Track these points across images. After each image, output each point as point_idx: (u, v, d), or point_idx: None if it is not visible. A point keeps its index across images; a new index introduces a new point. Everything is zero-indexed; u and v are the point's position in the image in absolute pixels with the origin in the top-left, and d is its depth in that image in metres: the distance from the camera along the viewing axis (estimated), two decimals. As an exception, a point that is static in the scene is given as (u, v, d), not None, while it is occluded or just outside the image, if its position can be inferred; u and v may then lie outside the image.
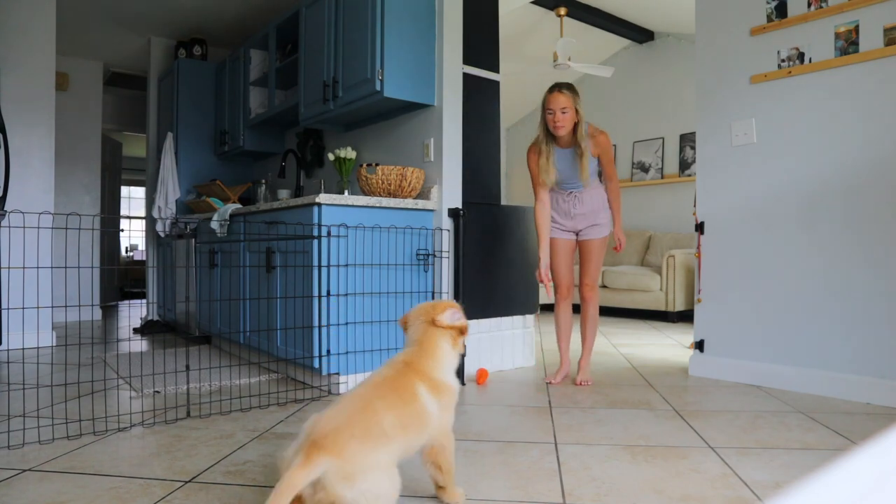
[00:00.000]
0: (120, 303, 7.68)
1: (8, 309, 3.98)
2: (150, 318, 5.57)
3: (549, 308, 6.18)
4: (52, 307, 3.30)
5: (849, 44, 2.74)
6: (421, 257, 3.13)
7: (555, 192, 3.11)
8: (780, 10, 2.96)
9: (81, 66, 6.08)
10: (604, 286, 6.19)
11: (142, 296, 9.06)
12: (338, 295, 2.85)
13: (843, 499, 1.63)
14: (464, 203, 3.28)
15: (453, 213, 3.17)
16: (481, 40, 3.59)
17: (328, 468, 1.24)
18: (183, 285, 4.60)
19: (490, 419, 2.43)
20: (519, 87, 7.05)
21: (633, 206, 6.92)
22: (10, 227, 3.94)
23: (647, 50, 6.93)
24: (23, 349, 4.07)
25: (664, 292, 5.71)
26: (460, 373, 3.11)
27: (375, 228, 2.98)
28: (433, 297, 3.17)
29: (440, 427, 1.50)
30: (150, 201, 5.86)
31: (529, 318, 3.63)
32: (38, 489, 1.68)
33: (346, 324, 2.88)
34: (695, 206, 3.35)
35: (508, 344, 3.51)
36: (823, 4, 2.81)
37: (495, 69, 3.67)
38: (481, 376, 3.15)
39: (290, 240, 3.05)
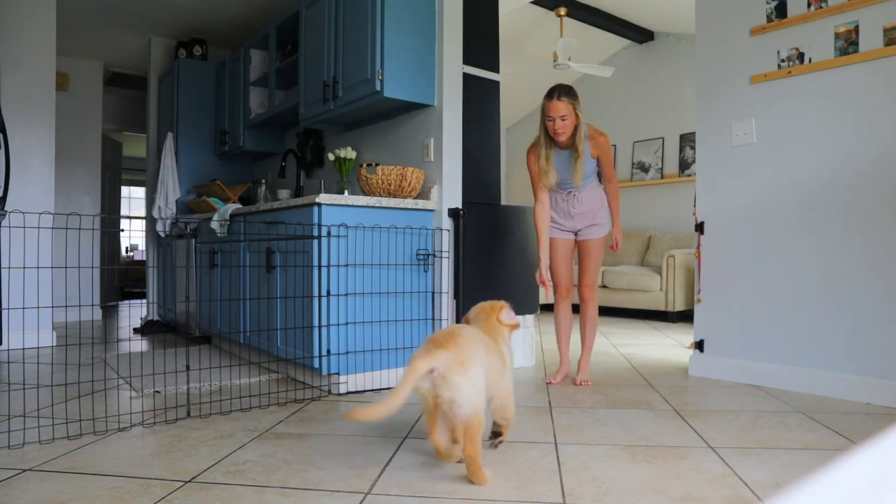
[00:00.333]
0: (120, 303, 7.68)
1: (8, 309, 3.98)
2: (150, 318, 5.57)
3: (548, 308, 6.18)
4: (53, 307, 3.30)
5: (849, 44, 2.74)
6: (421, 257, 3.14)
7: (554, 192, 3.11)
8: (780, 10, 2.96)
9: (81, 66, 6.08)
10: (604, 286, 6.19)
11: (142, 296, 9.06)
12: (338, 295, 2.86)
13: (842, 499, 1.63)
14: (464, 203, 3.28)
15: (453, 213, 3.17)
16: (481, 40, 3.59)
17: (446, 359, 1.65)
18: (183, 285, 4.60)
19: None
20: (519, 87, 7.05)
21: (633, 206, 6.93)
22: (10, 227, 3.94)
23: (647, 50, 6.93)
24: (23, 349, 4.07)
25: (664, 292, 5.71)
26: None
27: (375, 228, 2.98)
28: (433, 297, 3.17)
29: (507, 386, 1.92)
30: (150, 201, 5.86)
31: (529, 318, 3.63)
32: (38, 489, 1.68)
33: (346, 324, 2.88)
34: (695, 206, 3.35)
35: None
36: (823, 4, 2.81)
37: (495, 69, 3.67)
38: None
39: (290, 240, 3.06)
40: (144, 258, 9.24)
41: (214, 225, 3.76)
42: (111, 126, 6.97)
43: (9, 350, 4.03)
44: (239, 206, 3.75)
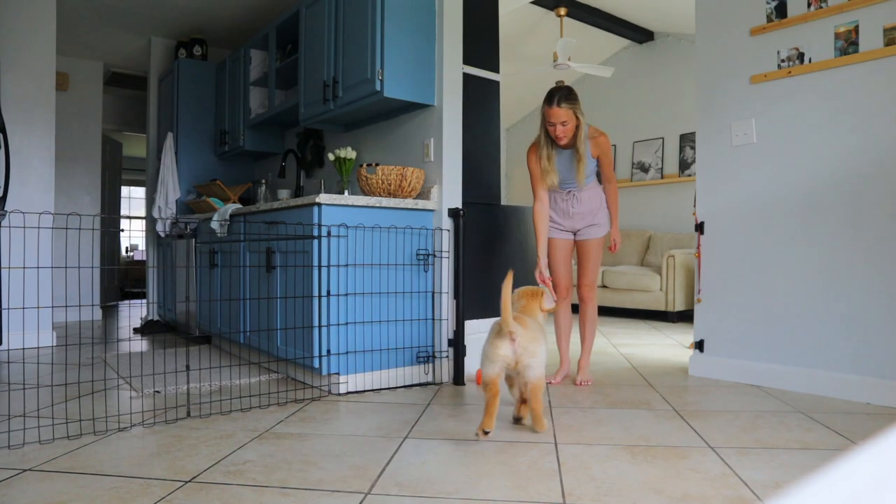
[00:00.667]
0: (120, 303, 7.68)
1: (8, 309, 3.98)
2: (150, 318, 5.57)
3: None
4: (53, 307, 3.30)
5: (849, 44, 2.74)
6: (421, 257, 3.14)
7: (554, 192, 3.11)
8: (780, 11, 2.96)
9: (81, 66, 6.08)
10: (604, 286, 6.19)
11: (142, 296, 9.06)
12: (338, 295, 2.86)
13: (842, 499, 1.63)
14: (464, 203, 3.28)
15: (453, 213, 3.17)
16: (481, 40, 3.59)
17: (525, 335, 2.12)
18: (183, 285, 4.60)
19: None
20: (519, 87, 7.05)
21: (632, 206, 6.93)
22: (10, 227, 3.94)
23: (647, 50, 6.93)
24: (23, 349, 4.07)
25: (664, 292, 5.71)
26: (460, 373, 3.11)
27: (375, 228, 2.98)
28: (433, 298, 3.17)
29: (543, 366, 2.21)
30: (150, 201, 5.86)
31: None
32: (38, 489, 1.68)
33: (346, 324, 2.88)
34: (695, 206, 3.35)
35: (508, 344, 3.51)
36: (823, 4, 2.81)
37: (495, 69, 3.67)
38: (481, 376, 3.15)
39: (290, 240, 3.06)
40: (144, 258, 9.24)
41: (214, 225, 3.76)
42: (111, 126, 6.97)
43: (9, 350, 4.03)
44: (239, 206, 3.75)
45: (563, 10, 5.85)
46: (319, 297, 2.83)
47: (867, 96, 2.68)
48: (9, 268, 3.90)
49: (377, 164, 3.16)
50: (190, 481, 1.74)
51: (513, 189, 8.33)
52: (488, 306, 3.42)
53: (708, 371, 3.22)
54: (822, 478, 1.76)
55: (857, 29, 2.71)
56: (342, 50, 3.40)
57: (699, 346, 3.26)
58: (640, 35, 6.74)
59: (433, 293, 3.18)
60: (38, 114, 4.27)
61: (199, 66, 5.24)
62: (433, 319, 3.18)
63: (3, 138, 3.77)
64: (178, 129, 5.16)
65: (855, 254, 2.71)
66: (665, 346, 4.29)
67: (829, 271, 2.79)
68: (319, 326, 2.82)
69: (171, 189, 5.02)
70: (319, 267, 2.82)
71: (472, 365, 3.24)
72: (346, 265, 2.89)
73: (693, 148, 6.35)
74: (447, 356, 3.17)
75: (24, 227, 3.96)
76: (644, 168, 6.88)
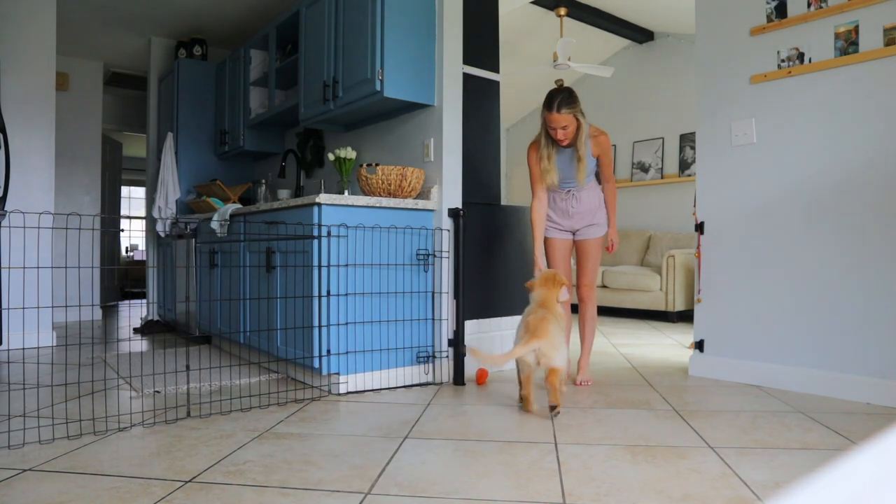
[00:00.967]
0: (120, 303, 7.68)
1: (8, 309, 3.98)
2: (150, 318, 5.57)
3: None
4: (53, 307, 3.30)
5: (849, 44, 2.74)
6: (421, 257, 3.14)
7: (553, 192, 3.11)
8: (780, 11, 2.96)
9: (81, 66, 6.08)
10: (604, 286, 6.19)
11: (142, 296, 9.06)
12: (338, 295, 2.86)
13: (842, 499, 1.63)
14: (464, 203, 3.28)
15: (453, 213, 3.17)
16: (481, 40, 3.59)
17: (542, 345, 2.45)
18: (183, 285, 4.60)
19: (490, 419, 2.43)
20: (519, 87, 7.05)
21: (632, 206, 6.93)
22: (10, 227, 3.94)
23: (647, 50, 6.93)
24: (23, 349, 4.07)
25: (664, 292, 5.71)
26: (460, 372, 3.11)
27: (375, 228, 2.99)
28: (433, 298, 3.17)
29: (564, 358, 2.56)
30: (150, 201, 5.86)
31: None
32: (38, 489, 1.68)
33: (346, 324, 2.88)
34: (695, 206, 3.35)
35: (509, 344, 3.51)
36: (823, 4, 2.81)
37: (495, 69, 3.67)
38: (481, 376, 3.15)
39: (290, 240, 3.06)
40: (144, 258, 9.24)
41: (214, 225, 3.76)
42: (111, 126, 6.97)
43: (9, 350, 4.03)
44: (239, 206, 3.75)
45: (563, 10, 5.85)
46: (319, 297, 2.83)
47: (867, 96, 2.68)
48: (9, 268, 3.90)
49: (377, 164, 3.16)
50: (190, 481, 1.74)
51: (513, 189, 8.33)
52: (488, 306, 3.43)
53: (708, 371, 3.22)
54: (822, 478, 1.76)
55: (857, 29, 2.71)
56: (342, 50, 3.40)
57: (699, 346, 3.26)
58: (640, 35, 6.74)
59: (433, 293, 3.18)
60: (38, 114, 4.27)
61: (199, 66, 5.24)
62: (433, 319, 3.18)
63: (3, 138, 3.77)
64: (178, 129, 5.16)
65: (855, 253, 2.71)
66: (665, 346, 4.29)
67: (829, 271, 2.79)
68: (319, 326, 2.82)
69: (171, 189, 5.02)
70: (319, 267, 2.82)
71: (471, 365, 3.24)
72: (346, 265, 2.89)
73: (693, 148, 6.35)
74: (447, 356, 3.17)
75: (24, 227, 3.96)
76: (644, 168, 6.88)
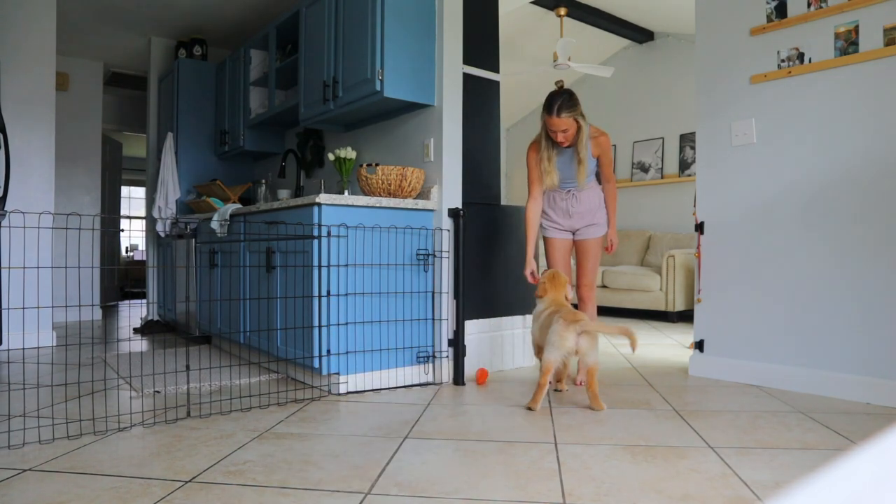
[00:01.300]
0: (120, 303, 7.68)
1: (8, 309, 3.98)
2: (150, 318, 5.57)
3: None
4: (53, 307, 3.30)
5: (849, 44, 2.74)
6: (421, 257, 3.14)
7: (553, 191, 3.11)
8: (780, 11, 2.96)
9: (81, 66, 6.08)
10: (604, 286, 6.19)
11: (142, 296, 9.06)
12: (338, 295, 2.86)
13: (842, 499, 1.63)
14: (464, 203, 3.28)
15: (453, 213, 3.17)
16: (481, 40, 3.59)
17: (588, 327, 2.53)
18: (183, 285, 4.60)
19: (490, 419, 2.43)
20: (519, 87, 7.05)
21: (633, 206, 6.93)
22: (10, 227, 3.94)
23: (647, 50, 6.93)
24: (23, 349, 4.07)
25: (664, 292, 5.71)
26: (460, 373, 3.11)
27: (375, 228, 2.99)
28: (433, 298, 3.17)
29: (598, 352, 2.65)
30: (150, 201, 5.86)
31: (529, 318, 3.63)
32: (38, 489, 1.68)
33: (346, 324, 2.88)
34: (695, 206, 3.35)
35: (508, 344, 3.51)
36: (823, 4, 2.81)
37: (495, 69, 3.67)
38: (481, 376, 3.15)
39: (290, 240, 3.06)
40: (144, 258, 9.24)
41: (214, 225, 3.76)
42: (111, 126, 6.97)
43: (9, 350, 4.03)
44: (239, 206, 3.75)
45: (563, 10, 5.85)
46: (319, 297, 2.83)
47: (867, 96, 2.68)
48: (9, 268, 3.90)
49: (377, 164, 3.16)
50: (190, 481, 1.74)
51: (513, 189, 8.33)
52: (488, 306, 3.43)
53: (708, 371, 3.22)
54: (822, 478, 1.76)
55: (857, 29, 2.71)
56: (342, 50, 3.40)
57: (699, 346, 3.26)
58: (640, 35, 6.74)
59: (433, 293, 3.18)
60: (38, 114, 4.27)
61: (199, 66, 5.23)
62: (433, 319, 3.18)
63: (3, 138, 3.77)
64: (178, 129, 5.15)
65: (855, 254, 2.71)
66: (665, 346, 4.29)
67: (829, 271, 2.79)
68: (319, 326, 2.82)
69: (171, 189, 5.02)
70: (319, 267, 2.82)
71: (471, 365, 3.24)
72: (346, 265, 2.89)
73: (693, 148, 6.35)
74: (447, 356, 3.17)
75: (24, 227, 3.97)
76: (644, 168, 6.88)
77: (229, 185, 5.08)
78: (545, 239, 3.17)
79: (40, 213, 3.66)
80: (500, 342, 3.47)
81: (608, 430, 2.25)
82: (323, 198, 2.81)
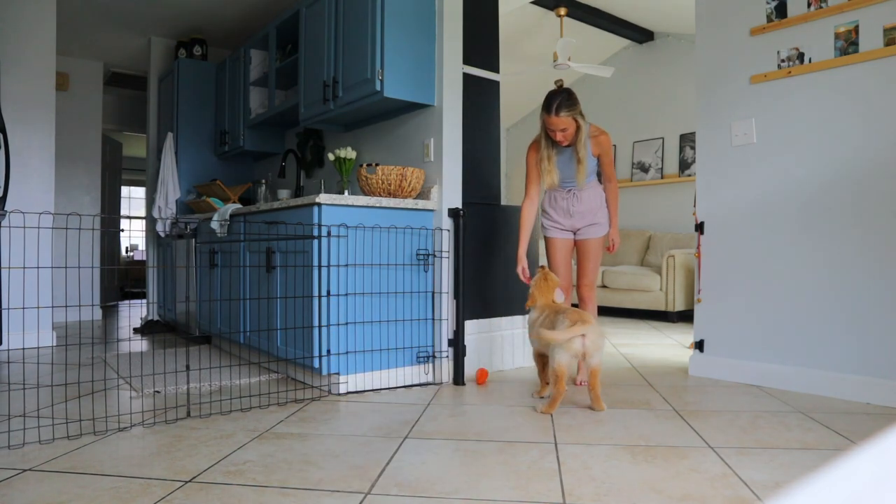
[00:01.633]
0: (120, 303, 7.68)
1: (8, 309, 3.98)
2: (150, 318, 5.57)
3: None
4: (53, 307, 3.30)
5: (849, 44, 2.74)
6: (421, 257, 3.14)
7: (554, 191, 3.11)
8: (780, 11, 2.96)
9: (81, 66, 6.08)
10: (604, 286, 6.19)
11: (142, 296, 9.06)
12: (338, 295, 2.86)
13: (842, 499, 1.63)
14: (464, 203, 3.28)
15: (453, 213, 3.17)
16: (481, 40, 3.59)
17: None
18: (183, 285, 4.60)
19: (490, 419, 2.43)
20: (519, 87, 7.05)
21: (632, 206, 6.93)
22: (10, 227, 3.94)
23: (647, 50, 6.93)
24: (23, 349, 4.07)
25: (664, 292, 5.71)
26: (460, 373, 3.11)
27: (375, 228, 2.99)
28: (433, 298, 3.17)
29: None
30: (150, 201, 5.86)
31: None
32: (38, 489, 1.68)
33: (346, 324, 2.88)
34: (695, 206, 3.35)
35: (508, 344, 3.51)
36: (823, 4, 2.81)
37: (495, 69, 3.67)
38: (481, 376, 3.15)
39: (290, 240, 3.06)
40: (144, 258, 9.24)
41: (214, 225, 3.76)
42: (111, 126, 6.97)
43: (9, 350, 4.03)
44: (239, 206, 3.75)
45: (563, 10, 5.85)
46: (319, 297, 2.83)
47: (867, 96, 2.68)
48: (9, 268, 3.90)
49: (377, 164, 3.16)
50: (190, 481, 1.74)
51: (513, 189, 8.33)
52: (488, 306, 3.42)
53: (708, 371, 3.22)
54: (822, 478, 1.76)
55: (857, 29, 2.71)
56: (342, 50, 3.40)
57: (699, 346, 3.26)
58: (640, 35, 6.74)
59: (433, 293, 3.18)
60: (38, 114, 4.27)
61: (199, 66, 5.24)
62: (433, 319, 3.18)
63: (3, 138, 3.77)
64: (178, 129, 5.16)
65: (855, 254, 2.71)
66: (665, 346, 4.29)
67: (829, 271, 2.79)
68: (319, 326, 2.82)
69: (171, 189, 5.02)
70: (319, 267, 2.82)
71: (471, 365, 3.24)
72: (346, 265, 2.89)
73: (693, 148, 6.35)
74: (447, 356, 3.17)
75: (24, 227, 3.96)
76: (644, 168, 6.88)
77: (229, 185, 5.08)
78: (546, 239, 3.17)
79: (40, 213, 3.66)
80: (500, 342, 3.47)
81: (608, 430, 2.25)
82: (323, 198, 2.81)
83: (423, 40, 3.23)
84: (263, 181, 4.75)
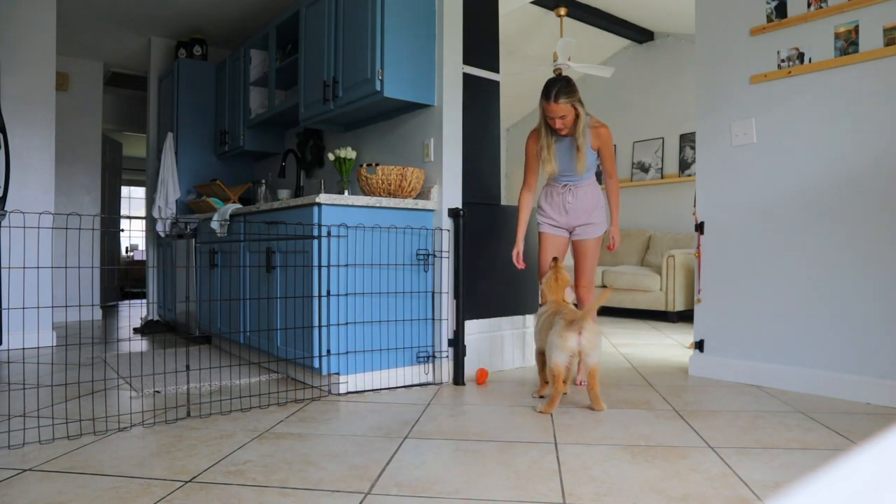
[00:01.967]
0: (120, 303, 7.68)
1: (8, 309, 3.98)
2: (150, 318, 5.57)
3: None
4: (53, 307, 3.30)
5: (849, 44, 2.74)
6: (421, 257, 3.14)
7: (550, 186, 3.09)
8: (780, 11, 2.96)
9: (81, 66, 6.08)
10: (604, 286, 6.19)
11: (142, 296, 9.06)
12: (338, 295, 2.86)
13: (842, 499, 1.63)
14: (464, 203, 3.28)
15: (453, 213, 3.17)
16: (481, 40, 3.59)
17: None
18: (183, 285, 4.60)
19: (490, 419, 2.43)
20: (519, 87, 7.05)
21: (632, 206, 6.93)
22: (10, 227, 3.94)
23: (647, 50, 6.93)
24: (23, 349, 4.07)
25: (664, 292, 5.71)
26: (460, 373, 3.11)
27: (375, 228, 2.99)
28: (433, 298, 3.17)
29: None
30: (150, 201, 5.86)
31: (529, 318, 3.63)
32: (38, 489, 1.68)
33: (346, 324, 2.88)
34: (695, 206, 3.35)
35: (508, 344, 3.51)
36: (823, 4, 2.81)
37: (495, 69, 3.67)
38: (481, 376, 3.15)
39: (290, 240, 3.06)
40: (144, 258, 9.24)
41: (214, 225, 3.76)
42: (111, 126, 6.97)
43: (9, 350, 4.03)
44: (239, 206, 3.75)
45: (563, 10, 5.85)
46: (319, 297, 2.83)
47: (867, 96, 2.68)
48: (9, 268, 3.90)
49: (377, 164, 3.16)
50: (190, 481, 1.74)
51: (513, 189, 8.33)
52: (488, 306, 3.42)
53: (708, 371, 3.22)
54: (822, 478, 1.76)
55: (857, 29, 2.71)
56: (342, 50, 3.40)
57: (699, 346, 3.26)
58: (640, 35, 6.74)
59: (433, 293, 3.18)
60: (38, 114, 4.27)
61: (199, 66, 5.24)
62: (433, 319, 3.18)
63: (3, 138, 3.77)
64: (178, 129, 5.16)
65: (855, 254, 2.71)
66: (665, 346, 4.29)
67: (829, 271, 2.79)
68: (319, 326, 2.82)
69: (171, 189, 5.02)
70: (319, 267, 2.82)
71: (471, 365, 3.24)
72: (346, 265, 2.89)
73: (693, 148, 6.35)
74: (447, 356, 3.17)
75: (24, 227, 3.96)
76: (644, 168, 6.88)
77: (229, 185, 5.08)
78: (539, 234, 3.13)
79: (40, 213, 3.66)
80: (501, 342, 3.47)
81: (608, 430, 2.25)
82: (323, 198, 2.81)
83: (423, 40, 3.23)
84: (263, 181, 4.75)
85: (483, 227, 3.41)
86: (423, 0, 3.23)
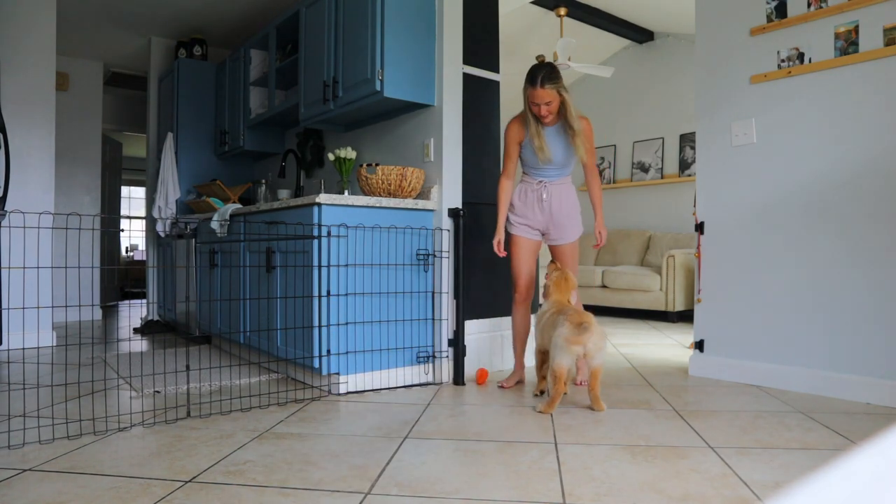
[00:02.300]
0: (120, 303, 7.68)
1: (8, 309, 3.98)
2: (150, 318, 5.57)
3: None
4: (53, 307, 3.30)
5: (849, 44, 2.74)
6: (421, 257, 3.14)
7: (524, 182, 3.02)
8: (780, 11, 2.96)
9: (81, 66, 6.08)
10: (604, 286, 6.19)
11: (142, 296, 9.06)
12: (338, 295, 2.86)
13: (842, 499, 1.63)
14: (464, 203, 3.28)
15: (453, 213, 3.17)
16: (481, 40, 3.59)
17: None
18: (183, 285, 4.60)
19: (490, 419, 2.43)
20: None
21: (632, 206, 6.93)
22: (10, 227, 3.94)
23: (647, 50, 6.93)
24: (23, 349, 4.07)
25: (664, 292, 5.71)
26: (460, 373, 3.11)
27: (375, 228, 2.99)
28: (433, 298, 3.17)
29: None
30: (150, 201, 5.86)
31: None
32: (38, 489, 1.68)
33: (346, 324, 2.88)
34: (695, 206, 3.35)
35: (508, 344, 3.51)
36: (823, 4, 2.81)
37: (495, 69, 3.67)
38: (481, 376, 3.15)
39: (290, 240, 3.06)
40: (144, 258, 9.24)
41: (214, 225, 3.76)
42: (111, 126, 6.97)
43: (9, 350, 4.03)
44: (239, 206, 3.75)
45: (563, 10, 5.85)
46: (319, 297, 2.83)
47: (867, 96, 2.68)
48: (9, 268, 3.90)
49: (377, 164, 3.16)
50: (190, 481, 1.74)
51: (513, 189, 8.33)
52: (488, 306, 3.42)
53: (708, 371, 3.22)
54: (822, 478, 1.76)
55: (857, 29, 2.71)
56: (342, 50, 3.40)
57: (699, 346, 3.26)
58: (640, 35, 6.74)
59: (433, 293, 3.18)
60: (38, 114, 4.27)
61: (199, 66, 5.24)
62: (433, 319, 3.18)
63: (3, 138, 3.77)
64: (178, 129, 5.16)
65: (855, 254, 2.71)
66: (665, 346, 4.29)
67: (829, 271, 2.79)
68: (319, 326, 2.82)
69: (171, 189, 5.02)
70: (319, 267, 2.82)
71: (471, 365, 3.24)
72: (346, 265, 2.89)
73: (693, 148, 6.35)
74: (447, 356, 3.17)
75: (24, 227, 3.96)
76: (644, 168, 6.88)
77: (229, 185, 5.08)
78: (511, 236, 3.05)
79: (40, 213, 3.66)
80: (500, 342, 3.47)
81: (608, 430, 2.25)
82: (323, 198, 2.81)
83: (423, 40, 3.23)
84: (263, 181, 4.75)
85: (483, 227, 3.41)
86: (423, 0, 3.23)
